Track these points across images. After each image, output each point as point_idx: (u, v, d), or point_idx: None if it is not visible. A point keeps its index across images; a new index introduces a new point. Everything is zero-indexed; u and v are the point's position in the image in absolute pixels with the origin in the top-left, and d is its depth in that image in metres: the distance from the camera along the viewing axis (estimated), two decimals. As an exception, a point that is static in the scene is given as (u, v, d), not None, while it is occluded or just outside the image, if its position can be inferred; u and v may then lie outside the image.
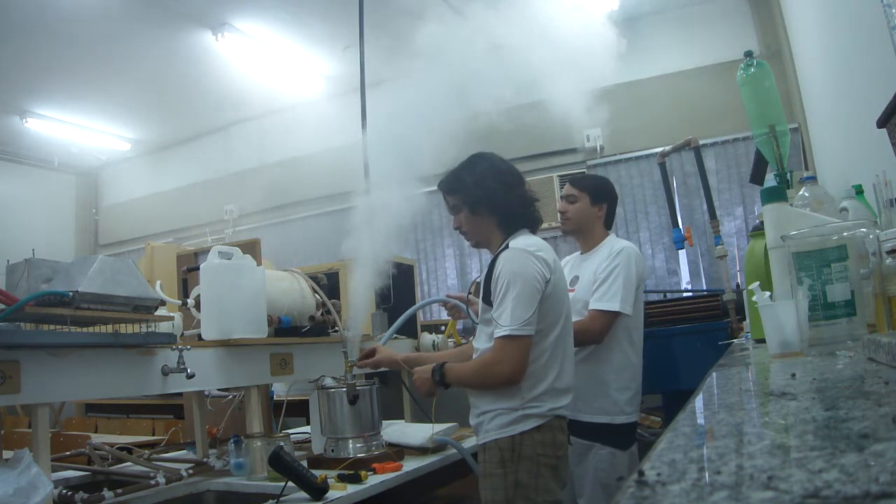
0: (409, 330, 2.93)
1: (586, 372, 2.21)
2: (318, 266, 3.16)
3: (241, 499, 1.97)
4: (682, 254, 5.04)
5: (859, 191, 1.86)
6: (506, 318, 1.70)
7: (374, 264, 2.15)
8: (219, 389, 2.39)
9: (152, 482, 1.88)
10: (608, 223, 2.48)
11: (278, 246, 6.20)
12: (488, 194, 1.88)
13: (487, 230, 1.92)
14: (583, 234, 2.47)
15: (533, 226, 1.95)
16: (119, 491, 1.79)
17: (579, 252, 2.52)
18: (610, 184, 2.58)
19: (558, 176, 5.44)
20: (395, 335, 2.65)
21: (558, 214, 2.50)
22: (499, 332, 1.71)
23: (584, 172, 5.29)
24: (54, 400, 1.73)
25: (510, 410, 1.76)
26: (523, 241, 1.82)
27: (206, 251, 2.40)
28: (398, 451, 2.23)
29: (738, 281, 3.81)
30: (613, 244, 2.38)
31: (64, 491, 1.73)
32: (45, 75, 5.61)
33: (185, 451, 2.53)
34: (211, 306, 2.07)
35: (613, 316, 2.24)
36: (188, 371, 1.83)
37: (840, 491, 0.38)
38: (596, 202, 2.44)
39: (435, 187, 2.02)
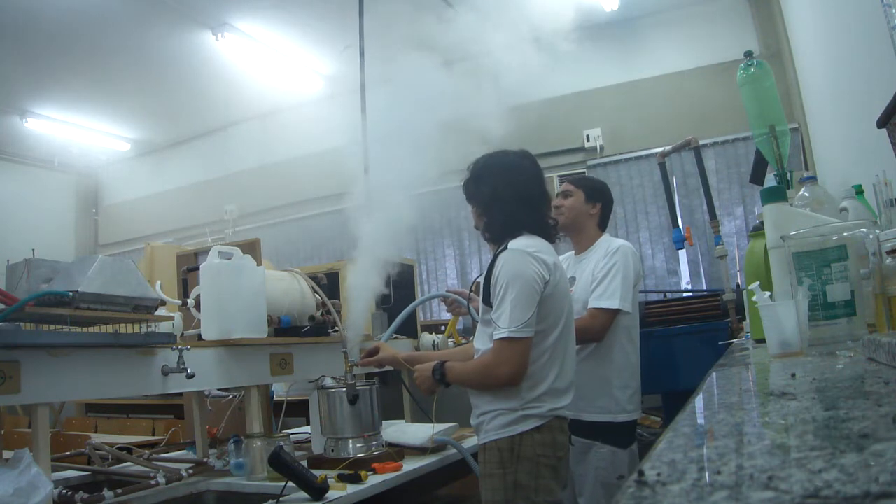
0: (409, 329, 2.93)
1: (588, 371, 2.21)
2: (318, 266, 3.16)
3: (241, 499, 1.97)
4: (682, 254, 5.05)
5: (859, 191, 1.86)
6: (505, 319, 1.70)
7: (374, 264, 2.15)
8: (219, 389, 2.39)
9: (152, 482, 1.88)
10: (602, 225, 2.48)
11: (278, 246, 6.21)
12: (523, 188, 1.85)
13: (510, 226, 1.85)
14: (576, 231, 2.47)
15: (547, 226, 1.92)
16: (119, 491, 1.78)
17: (573, 253, 2.52)
18: (606, 187, 2.58)
19: (558, 176, 5.44)
20: (394, 335, 2.65)
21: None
22: (498, 335, 1.71)
23: (583, 172, 5.30)
24: (54, 400, 1.73)
25: (510, 411, 1.75)
26: (523, 242, 1.80)
27: (206, 251, 2.40)
28: (398, 451, 2.23)
29: (738, 281, 3.81)
30: (609, 243, 2.38)
31: (64, 491, 1.73)
32: (45, 75, 5.61)
33: (185, 451, 2.53)
34: (211, 306, 2.07)
35: (613, 314, 2.25)
36: (188, 371, 1.83)
37: (840, 491, 0.38)
38: (590, 200, 2.45)
39: (434, 187, 2.02)
